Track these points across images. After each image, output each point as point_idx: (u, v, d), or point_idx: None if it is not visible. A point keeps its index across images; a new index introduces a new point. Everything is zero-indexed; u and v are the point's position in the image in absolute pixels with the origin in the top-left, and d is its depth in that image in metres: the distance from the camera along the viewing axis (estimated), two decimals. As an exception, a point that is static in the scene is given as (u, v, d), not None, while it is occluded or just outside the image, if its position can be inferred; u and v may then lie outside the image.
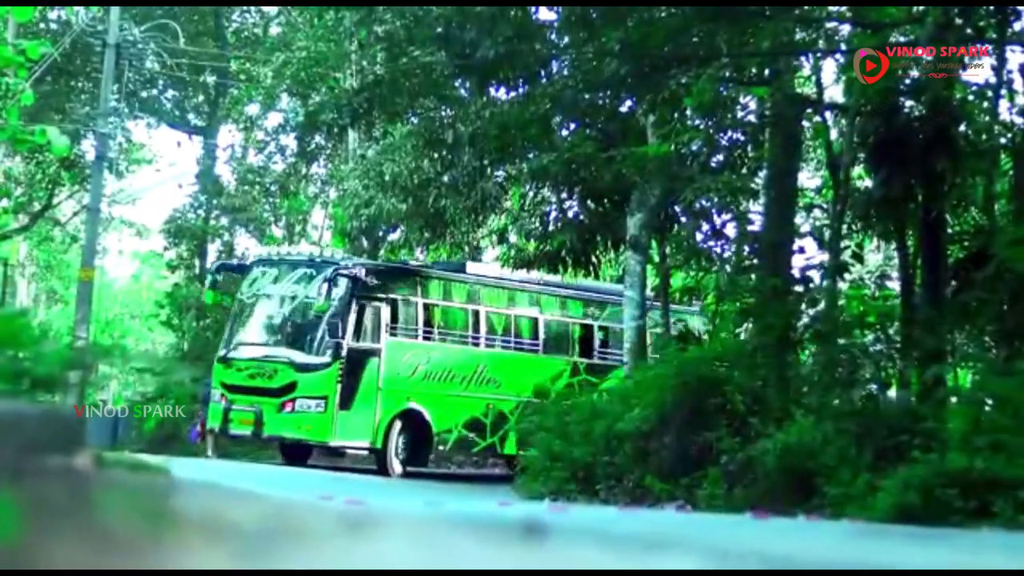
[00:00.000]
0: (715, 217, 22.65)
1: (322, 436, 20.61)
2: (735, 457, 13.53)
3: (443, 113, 26.42)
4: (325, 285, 20.69)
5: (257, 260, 23.23)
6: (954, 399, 13.79)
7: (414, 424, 21.34)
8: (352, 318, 20.95)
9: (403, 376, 21.34)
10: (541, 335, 23.66)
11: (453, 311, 22.79)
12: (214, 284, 23.99)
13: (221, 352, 22.00)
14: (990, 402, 11.86)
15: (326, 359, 20.72)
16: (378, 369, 20.98)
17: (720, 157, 22.12)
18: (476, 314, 22.90)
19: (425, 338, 22.01)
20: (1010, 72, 15.27)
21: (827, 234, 16.85)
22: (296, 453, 21.98)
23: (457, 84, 25.53)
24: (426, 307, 22.31)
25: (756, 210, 21.85)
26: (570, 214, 24.93)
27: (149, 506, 3.20)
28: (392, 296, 21.67)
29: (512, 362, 23.02)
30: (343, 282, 20.88)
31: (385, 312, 21.37)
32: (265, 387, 20.75)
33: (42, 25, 34.74)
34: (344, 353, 20.70)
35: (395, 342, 21.44)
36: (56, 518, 2.48)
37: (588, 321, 24.48)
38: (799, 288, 16.02)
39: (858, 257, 18.48)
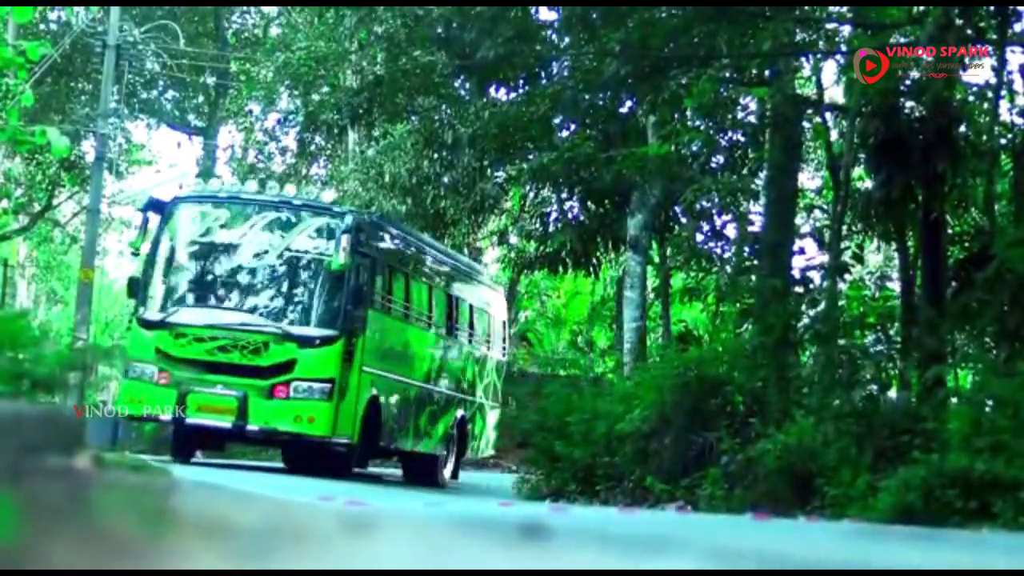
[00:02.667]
0: (715, 218, 22.70)
1: (324, 430, 16.42)
2: (735, 458, 13.52)
3: (443, 113, 26.44)
4: (345, 237, 16.36)
5: (199, 196, 18.21)
6: (954, 400, 13.79)
7: (370, 415, 17.57)
8: (356, 280, 16.96)
9: (374, 357, 17.61)
10: (433, 310, 20.18)
11: (413, 283, 19.41)
12: (146, 226, 17.76)
13: (152, 315, 16.97)
14: (990, 403, 11.86)
15: (332, 331, 16.61)
16: (362, 347, 17.05)
17: (720, 158, 22.16)
18: (408, 285, 19.31)
19: (387, 311, 18.38)
20: (1010, 73, 15.28)
21: (827, 235, 16.86)
22: (189, 449, 18.29)
23: (457, 84, 25.56)
24: (401, 276, 18.95)
25: (756, 211, 21.89)
26: (570, 215, 24.98)
27: (149, 507, 3.20)
28: (382, 259, 18.08)
29: (415, 339, 19.75)
30: (355, 235, 16.63)
31: (371, 278, 17.56)
32: (247, 365, 16.38)
33: (42, 26, 34.77)
34: (349, 325, 16.71)
35: (376, 315, 17.70)
36: (56, 518, 2.48)
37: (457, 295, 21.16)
38: (799, 289, 16.03)
39: (858, 258, 18.50)
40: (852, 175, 17.22)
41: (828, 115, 18.44)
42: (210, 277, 17.46)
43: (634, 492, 14.20)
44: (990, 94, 15.13)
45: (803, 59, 18.50)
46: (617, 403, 15.63)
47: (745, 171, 21.88)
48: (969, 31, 14.60)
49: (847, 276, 17.02)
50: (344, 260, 16.32)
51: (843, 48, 17.06)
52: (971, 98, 15.66)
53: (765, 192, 18.78)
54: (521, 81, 21.79)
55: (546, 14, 19.23)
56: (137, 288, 17.38)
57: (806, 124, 19.13)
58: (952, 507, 10.21)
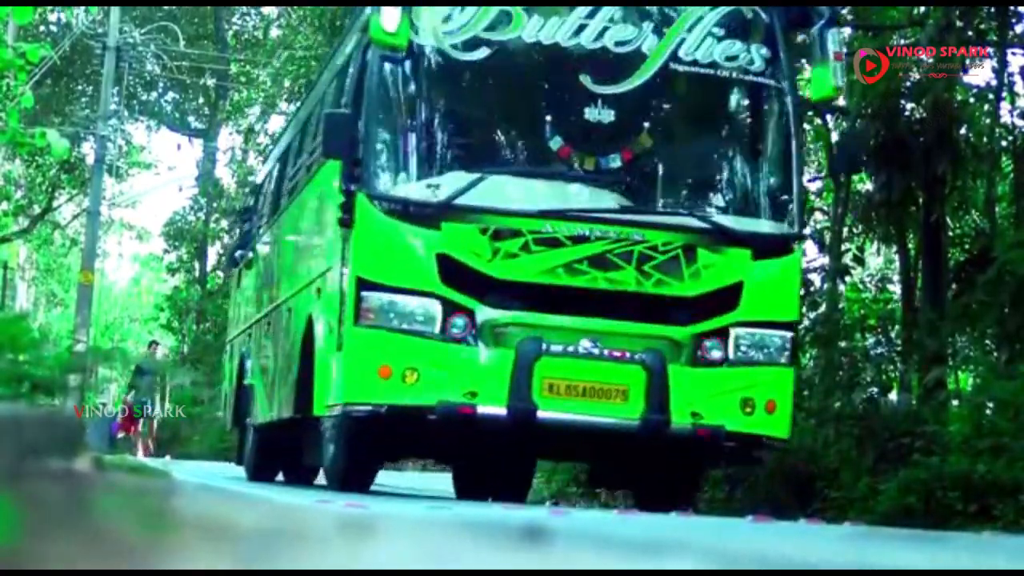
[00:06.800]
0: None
1: (785, 428, 9.12)
2: (736, 460, 13.50)
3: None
4: (832, 35, 9.51)
5: None
6: (955, 402, 13.80)
7: None
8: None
9: None
10: None
11: None
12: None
13: (420, 191, 8.58)
14: (991, 405, 11.85)
15: (789, 228, 9.16)
16: None
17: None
18: None
19: None
20: (1011, 74, 15.29)
21: (828, 237, 16.84)
22: (307, 471, 12.27)
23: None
24: None
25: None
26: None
27: (150, 508, 3.20)
28: None
29: None
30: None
31: None
32: (655, 296, 8.57)
33: (42, 28, 34.77)
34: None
35: None
36: (56, 520, 2.47)
37: None
38: (800, 291, 16.00)
39: (859, 260, 18.47)
40: (852, 177, 17.22)
41: (828, 117, 18.43)
42: (534, 119, 9.27)
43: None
44: (991, 96, 15.14)
45: (803, 60, 18.47)
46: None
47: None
48: (969, 32, 14.60)
49: (848, 278, 17.00)
50: (838, 83, 9.54)
51: (844, 49, 17.05)
52: (972, 100, 15.66)
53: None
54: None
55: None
56: (350, 136, 8.69)
57: (806, 126, 19.10)
58: (953, 509, 10.20)
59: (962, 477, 10.33)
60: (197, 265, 37.12)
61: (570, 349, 8.41)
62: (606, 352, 8.46)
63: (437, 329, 8.38)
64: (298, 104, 15.49)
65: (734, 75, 9.20)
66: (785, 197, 9.16)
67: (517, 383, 8.30)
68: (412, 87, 8.85)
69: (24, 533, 2.25)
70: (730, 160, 9.50)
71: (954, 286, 15.09)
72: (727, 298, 8.71)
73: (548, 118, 9.11)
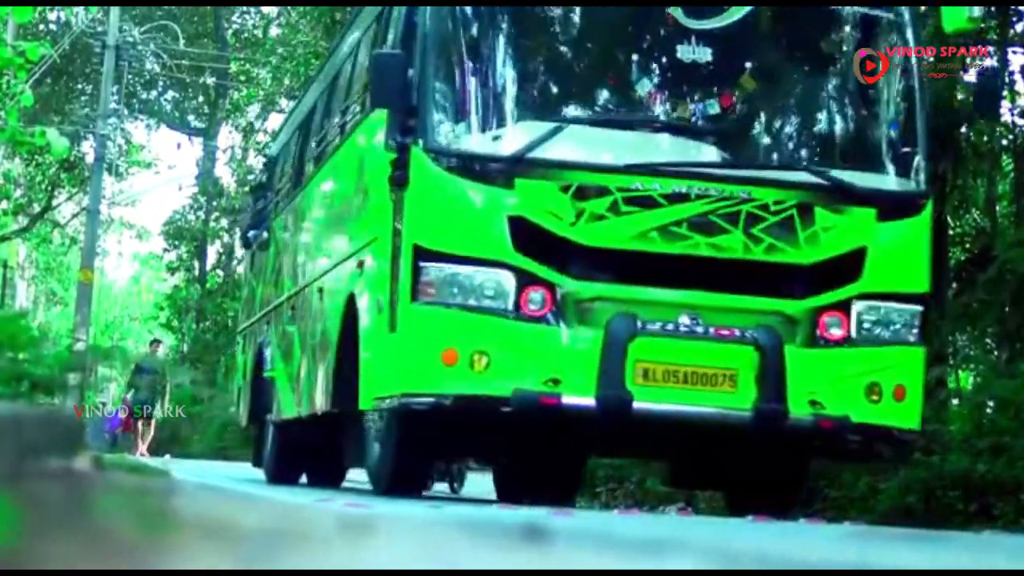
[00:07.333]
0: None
1: (916, 418, 7.84)
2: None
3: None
4: None
5: None
6: (955, 401, 13.79)
7: None
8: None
9: None
10: None
11: None
12: None
13: (484, 144, 7.50)
14: (991, 404, 11.85)
15: (915, 186, 8.05)
16: None
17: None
18: None
19: None
20: (1012, 73, 15.27)
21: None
22: (336, 473, 11.44)
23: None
24: None
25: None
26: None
27: (150, 508, 3.19)
28: None
29: None
30: None
31: None
32: (768, 264, 7.50)
33: (42, 26, 34.77)
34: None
35: None
36: (56, 520, 2.47)
37: None
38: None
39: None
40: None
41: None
42: (618, 59, 8.12)
43: (635, 494, 14.18)
44: (991, 95, 15.11)
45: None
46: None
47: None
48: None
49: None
50: (974, 14, 8.69)
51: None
52: (972, 99, 15.66)
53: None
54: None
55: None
56: (403, 81, 7.43)
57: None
58: (953, 509, 10.20)
59: (962, 476, 10.32)
60: (197, 264, 37.11)
61: (669, 327, 7.29)
62: (711, 330, 7.35)
63: (510, 305, 7.25)
64: (324, 60, 13.64)
65: (848, 7, 8.18)
66: (909, 149, 8.04)
67: (608, 368, 7.13)
68: (475, 23, 7.67)
69: (24, 533, 2.24)
70: (846, 106, 8.32)
71: (955, 285, 15.09)
72: (849, 266, 7.62)
73: (635, 58, 7.99)
